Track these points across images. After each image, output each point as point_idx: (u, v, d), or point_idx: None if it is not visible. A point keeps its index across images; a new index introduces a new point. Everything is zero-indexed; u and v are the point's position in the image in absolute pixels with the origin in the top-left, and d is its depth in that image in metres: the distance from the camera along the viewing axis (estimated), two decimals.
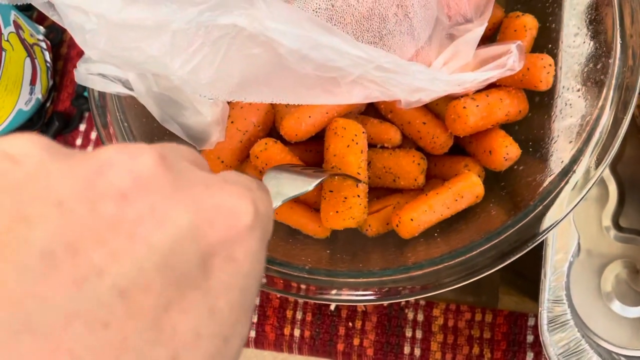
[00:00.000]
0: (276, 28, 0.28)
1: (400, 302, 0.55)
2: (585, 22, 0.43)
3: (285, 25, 0.28)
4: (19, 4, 0.31)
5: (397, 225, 0.44)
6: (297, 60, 0.29)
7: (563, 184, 0.39)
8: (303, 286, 0.40)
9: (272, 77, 0.31)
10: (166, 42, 0.28)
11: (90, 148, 0.62)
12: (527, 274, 0.50)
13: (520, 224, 0.39)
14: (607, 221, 0.50)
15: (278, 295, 0.57)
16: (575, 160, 0.39)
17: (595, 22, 0.43)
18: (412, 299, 0.54)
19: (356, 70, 0.31)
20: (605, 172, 0.50)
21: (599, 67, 0.41)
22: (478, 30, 0.43)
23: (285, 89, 0.31)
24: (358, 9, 0.35)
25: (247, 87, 0.32)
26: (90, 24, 0.28)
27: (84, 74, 0.40)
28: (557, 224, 0.39)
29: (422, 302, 0.55)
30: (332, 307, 0.55)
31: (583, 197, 0.40)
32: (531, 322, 0.53)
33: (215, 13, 0.27)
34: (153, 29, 0.27)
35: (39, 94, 0.58)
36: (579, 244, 0.49)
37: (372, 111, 0.50)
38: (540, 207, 0.39)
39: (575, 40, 0.44)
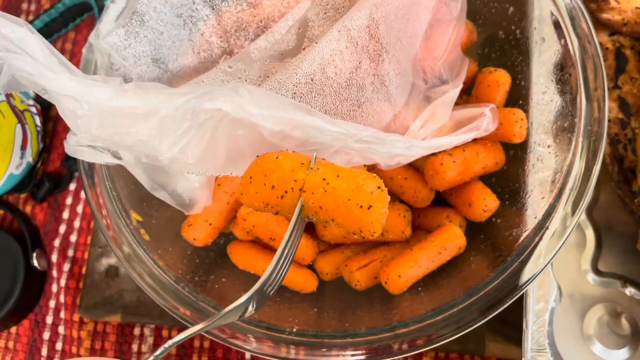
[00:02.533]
0: (259, 113, 0.29)
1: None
2: (552, 81, 0.46)
3: (267, 110, 0.30)
4: (15, 92, 0.32)
5: (385, 282, 0.45)
6: (280, 140, 0.31)
7: (538, 239, 0.40)
8: (292, 347, 0.40)
9: (257, 153, 0.33)
10: (154, 126, 0.30)
11: (80, 207, 0.63)
12: (512, 321, 0.51)
13: (500, 279, 0.41)
14: (586, 265, 0.52)
15: None
16: (548, 215, 0.41)
17: (561, 81, 0.45)
18: (402, 356, 0.55)
19: (337, 144, 0.33)
20: (582, 217, 0.52)
21: (566, 124, 0.44)
22: (454, 92, 0.45)
23: None
24: (336, 80, 0.37)
25: (233, 163, 0.33)
26: (82, 111, 0.30)
27: (74, 145, 0.42)
28: (535, 277, 0.41)
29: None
30: None
31: (560, 248, 0.41)
32: None
33: (201, 100, 0.29)
34: (142, 115, 0.29)
35: (29, 158, 0.60)
36: (560, 289, 0.50)
37: None
38: (518, 262, 0.41)
39: (543, 98, 0.46)
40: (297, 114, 0.32)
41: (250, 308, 0.33)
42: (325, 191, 0.33)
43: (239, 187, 0.34)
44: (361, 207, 0.32)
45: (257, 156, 0.33)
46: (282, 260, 0.33)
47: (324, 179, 0.33)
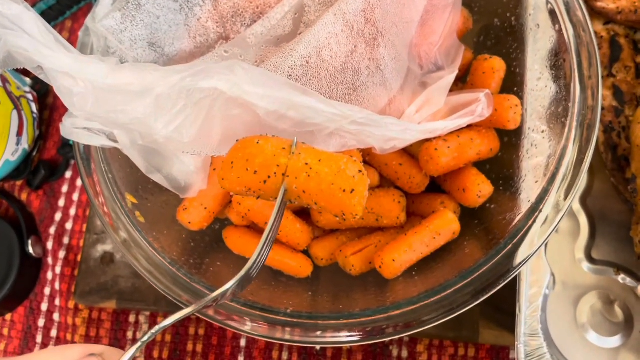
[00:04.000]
0: (254, 92, 0.30)
1: (385, 340, 0.56)
2: (547, 67, 0.46)
3: (263, 89, 0.30)
4: (11, 68, 0.32)
5: (380, 267, 0.45)
6: (275, 120, 0.31)
7: (531, 222, 0.41)
8: (288, 329, 0.41)
9: (252, 133, 0.33)
10: (150, 104, 0.30)
11: (76, 195, 0.63)
12: (505, 308, 0.51)
13: (493, 261, 0.41)
14: (580, 254, 0.52)
15: None
16: (541, 199, 0.41)
17: (556, 67, 0.45)
18: (395, 337, 0.55)
19: (332, 125, 0.33)
20: (575, 205, 0.52)
21: (560, 109, 0.44)
22: (449, 77, 0.45)
23: None
24: (332, 63, 0.37)
25: (228, 143, 0.33)
26: (78, 88, 0.30)
27: (70, 128, 0.42)
28: (528, 259, 0.41)
29: (406, 339, 0.56)
30: (318, 347, 0.56)
31: (552, 232, 0.41)
32: (513, 354, 0.54)
33: (197, 78, 0.29)
34: (138, 93, 0.29)
35: (25, 145, 0.60)
36: (553, 277, 0.50)
37: None
38: (511, 245, 0.41)
39: (538, 84, 0.46)
40: (293, 94, 0.33)
41: (236, 290, 0.33)
42: (309, 176, 0.33)
43: (219, 172, 0.34)
44: (344, 190, 0.33)
45: (237, 140, 0.33)
46: (266, 244, 0.34)
47: (307, 164, 0.33)
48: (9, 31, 0.32)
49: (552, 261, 0.51)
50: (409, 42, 0.43)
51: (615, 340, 0.50)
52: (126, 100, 0.30)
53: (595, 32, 0.52)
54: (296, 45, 0.38)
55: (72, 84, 0.31)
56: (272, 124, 0.33)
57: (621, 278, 0.51)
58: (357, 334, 0.41)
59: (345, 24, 0.38)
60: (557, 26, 0.45)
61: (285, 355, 0.57)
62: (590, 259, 0.52)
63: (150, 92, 0.30)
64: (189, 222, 0.46)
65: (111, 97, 0.31)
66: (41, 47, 0.31)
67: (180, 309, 0.44)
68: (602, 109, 0.51)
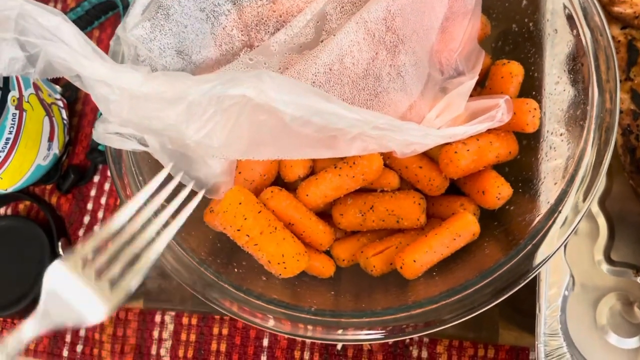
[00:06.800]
0: (280, 99, 0.31)
1: (405, 339, 0.57)
2: (565, 71, 0.47)
3: (288, 96, 0.31)
4: (50, 77, 0.34)
5: (401, 267, 0.46)
6: (300, 125, 0.32)
7: (550, 222, 0.41)
8: (310, 327, 0.42)
9: (278, 138, 0.34)
10: (182, 111, 0.31)
11: (104, 199, 0.66)
12: (524, 309, 0.52)
13: (513, 262, 0.42)
14: (599, 255, 0.52)
15: (285, 337, 0.59)
16: (560, 200, 0.42)
17: (574, 71, 0.46)
18: (416, 335, 0.56)
19: (354, 130, 0.34)
20: (594, 208, 0.53)
21: (578, 112, 0.45)
22: (469, 83, 0.46)
23: (291, 147, 0.35)
24: (354, 70, 0.38)
25: (255, 147, 0.35)
26: (114, 96, 0.32)
27: (102, 133, 0.44)
28: (548, 259, 0.42)
29: (426, 340, 0.57)
30: (339, 346, 0.57)
31: (571, 233, 0.42)
32: (532, 355, 0.55)
33: (227, 86, 0.31)
34: (171, 100, 0.31)
35: (56, 150, 0.62)
36: (573, 278, 0.51)
37: None
38: (531, 245, 0.42)
39: (556, 88, 0.47)
40: (317, 101, 0.34)
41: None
42: None
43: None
44: None
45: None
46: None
47: None
48: (49, 42, 0.34)
49: (572, 263, 0.51)
50: (430, 48, 0.44)
51: (635, 342, 0.50)
52: (160, 107, 0.32)
53: (613, 37, 0.53)
54: (319, 52, 0.39)
55: (108, 92, 0.33)
56: (297, 128, 0.35)
57: None
58: (378, 332, 0.42)
59: (367, 32, 0.40)
60: (574, 31, 0.46)
61: (307, 355, 0.58)
62: (609, 260, 0.52)
63: (183, 99, 0.31)
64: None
65: (145, 104, 0.32)
66: (79, 57, 0.33)
67: (201, 310, 0.45)
68: (621, 112, 0.52)
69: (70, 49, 0.33)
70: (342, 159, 0.47)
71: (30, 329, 0.32)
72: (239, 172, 0.48)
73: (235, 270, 0.46)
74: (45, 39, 0.34)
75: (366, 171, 0.46)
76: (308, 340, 0.58)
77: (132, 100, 0.32)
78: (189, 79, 0.32)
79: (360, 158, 0.46)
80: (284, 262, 0.44)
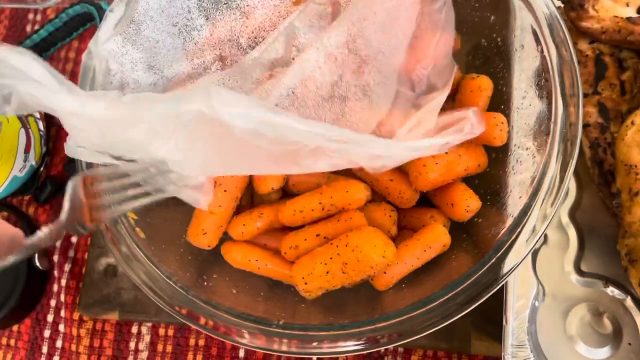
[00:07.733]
0: (228, 112, 0.32)
1: (380, 350, 0.58)
2: (532, 85, 0.48)
3: (235, 109, 0.32)
4: (27, 113, 0.35)
5: (371, 279, 0.47)
6: (252, 137, 0.33)
7: (515, 235, 0.42)
8: (285, 340, 0.42)
9: (240, 152, 0.35)
10: (143, 131, 0.32)
11: None
12: (496, 320, 0.52)
13: (479, 273, 0.42)
14: (569, 266, 0.53)
15: None
16: (524, 213, 0.43)
17: (539, 86, 0.47)
18: (391, 346, 0.56)
19: (310, 143, 0.34)
20: (565, 219, 0.54)
21: (543, 127, 0.45)
22: (440, 98, 0.47)
23: (255, 162, 0.35)
24: (318, 93, 0.39)
25: (221, 163, 0.35)
26: (83, 124, 0.33)
27: (73, 147, 0.44)
28: (513, 270, 0.42)
29: (401, 350, 0.58)
30: (314, 358, 0.57)
31: (534, 246, 0.43)
32: None
33: (179, 104, 0.31)
34: (133, 122, 0.32)
35: (32, 161, 0.62)
36: (543, 289, 0.51)
37: (343, 170, 0.53)
38: (497, 257, 0.42)
39: (523, 102, 0.48)
40: (264, 114, 0.34)
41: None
42: None
43: None
44: None
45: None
46: None
47: None
48: (19, 81, 0.34)
49: (542, 274, 0.52)
50: (398, 66, 0.45)
51: (604, 352, 0.51)
52: (124, 130, 0.33)
53: (581, 51, 0.54)
54: (283, 76, 0.40)
55: (76, 121, 0.33)
56: (251, 140, 0.35)
57: (610, 290, 0.52)
58: (353, 344, 0.42)
59: (328, 57, 0.41)
60: (539, 47, 0.47)
61: None
62: (579, 271, 0.53)
63: (142, 121, 0.32)
64: (208, 245, 0.49)
65: (111, 130, 0.33)
66: (47, 92, 0.34)
67: (177, 321, 0.45)
68: (588, 125, 0.53)
69: (38, 85, 0.34)
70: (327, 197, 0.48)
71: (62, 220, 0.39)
72: (224, 191, 0.48)
73: (205, 284, 0.46)
74: (15, 79, 0.34)
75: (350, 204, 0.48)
76: None
77: (99, 127, 0.33)
78: (146, 101, 0.32)
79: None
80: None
